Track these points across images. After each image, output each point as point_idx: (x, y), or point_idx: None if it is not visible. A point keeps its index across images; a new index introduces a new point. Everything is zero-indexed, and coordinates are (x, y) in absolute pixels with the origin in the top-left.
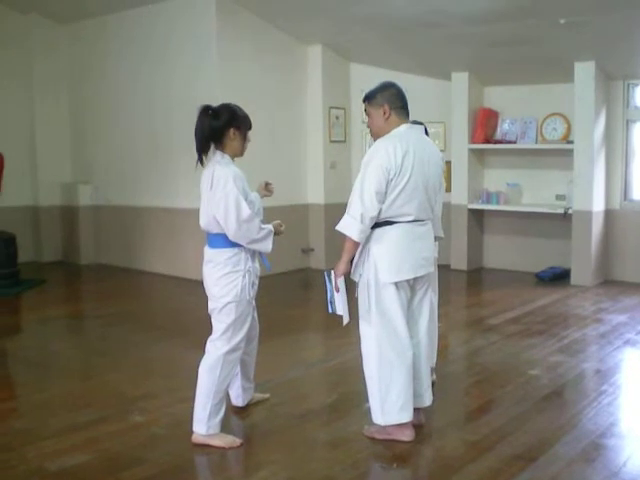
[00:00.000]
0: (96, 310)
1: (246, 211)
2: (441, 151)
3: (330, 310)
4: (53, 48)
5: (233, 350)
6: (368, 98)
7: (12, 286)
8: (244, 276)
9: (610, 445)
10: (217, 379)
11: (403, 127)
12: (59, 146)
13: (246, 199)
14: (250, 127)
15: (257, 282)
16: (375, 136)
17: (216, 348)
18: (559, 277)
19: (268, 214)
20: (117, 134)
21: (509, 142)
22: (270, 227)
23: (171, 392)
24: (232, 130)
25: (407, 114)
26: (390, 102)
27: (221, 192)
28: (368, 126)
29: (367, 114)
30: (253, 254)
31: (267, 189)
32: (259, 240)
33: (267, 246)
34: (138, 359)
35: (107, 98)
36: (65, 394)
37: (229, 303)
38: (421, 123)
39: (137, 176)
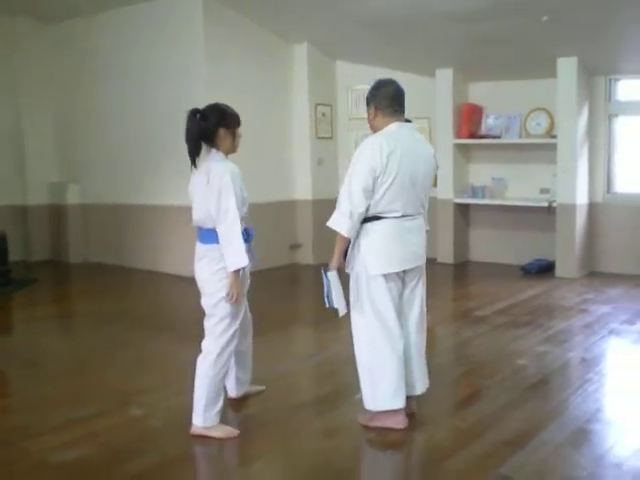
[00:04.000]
0: (89, 308)
1: (233, 206)
2: None
3: (327, 305)
4: (39, 48)
5: (227, 344)
6: (366, 97)
7: (3, 285)
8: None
9: (596, 430)
10: (212, 372)
11: (393, 126)
12: (47, 145)
13: (241, 196)
14: (239, 124)
15: (249, 276)
16: (372, 132)
17: (212, 342)
18: (544, 269)
19: (256, 211)
20: (105, 132)
21: (494, 137)
22: (245, 256)
23: (167, 386)
24: (222, 130)
25: (399, 112)
26: (377, 103)
27: (217, 184)
28: None
29: None
30: (246, 250)
31: None
32: (234, 246)
33: (240, 257)
34: (132, 355)
35: (94, 97)
36: (60, 391)
37: (224, 297)
38: (409, 121)
39: (126, 174)
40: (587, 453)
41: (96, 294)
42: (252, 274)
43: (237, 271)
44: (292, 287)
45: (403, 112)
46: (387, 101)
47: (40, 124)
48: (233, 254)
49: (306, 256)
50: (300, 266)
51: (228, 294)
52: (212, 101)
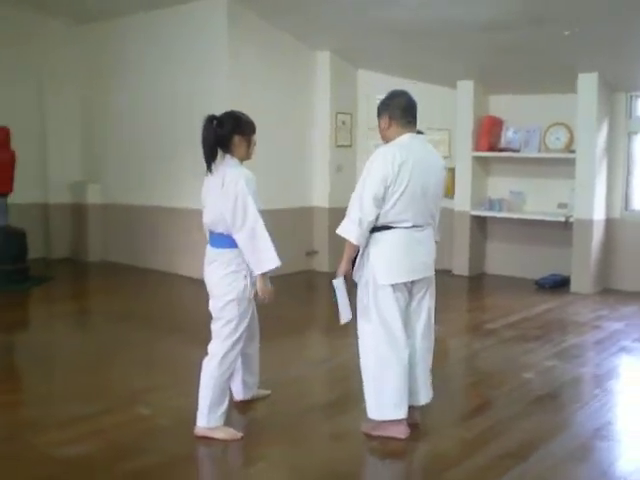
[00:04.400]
0: (102, 306)
1: (253, 210)
2: (445, 158)
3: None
4: (64, 48)
5: (233, 346)
6: (378, 107)
7: (21, 282)
8: (246, 276)
9: (600, 446)
10: (217, 374)
11: (406, 137)
12: (69, 145)
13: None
14: (254, 131)
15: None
16: (384, 142)
17: (217, 344)
18: (559, 284)
19: (274, 217)
20: (125, 134)
21: (513, 150)
22: (275, 257)
23: (175, 386)
24: (237, 137)
25: (412, 123)
26: (391, 112)
27: (232, 190)
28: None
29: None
30: None
31: None
32: (260, 249)
33: (269, 258)
34: (143, 354)
35: (116, 98)
36: (71, 387)
37: (232, 301)
38: (421, 132)
39: (144, 175)
40: (589, 467)
41: (110, 293)
42: (269, 279)
43: (265, 272)
44: (307, 293)
45: (415, 123)
46: (401, 111)
47: (63, 124)
48: (259, 256)
49: (322, 263)
50: (316, 273)
51: (257, 296)
52: (232, 106)
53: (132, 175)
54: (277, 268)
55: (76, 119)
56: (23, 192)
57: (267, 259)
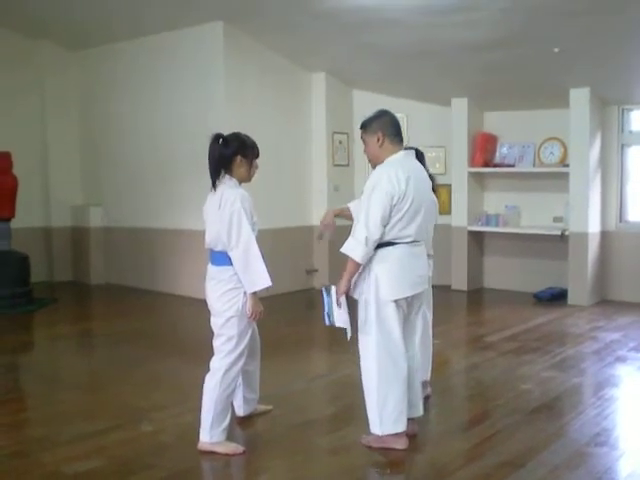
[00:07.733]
0: (106, 328)
1: (246, 230)
2: (441, 174)
3: (327, 322)
4: (64, 73)
5: (234, 362)
6: (364, 126)
7: (25, 305)
8: (245, 293)
9: (594, 453)
10: (219, 390)
11: (401, 154)
12: (70, 169)
13: (251, 220)
14: (257, 155)
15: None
16: (372, 162)
17: (219, 360)
18: (557, 297)
19: (274, 236)
20: (126, 157)
21: (508, 166)
22: (267, 277)
23: (179, 404)
24: (239, 157)
25: (401, 140)
26: (384, 129)
27: (229, 210)
28: (365, 152)
29: (363, 141)
30: None
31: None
32: (252, 268)
33: (260, 278)
34: (147, 373)
35: (117, 122)
36: (77, 406)
37: (231, 317)
38: (412, 148)
39: (145, 198)
40: (583, 475)
41: (114, 315)
42: (269, 298)
43: (254, 292)
44: (307, 311)
45: (403, 141)
46: (394, 128)
47: (64, 148)
48: (251, 275)
49: (322, 281)
50: (316, 291)
51: (250, 313)
52: (230, 127)
53: (133, 198)
54: (268, 288)
55: (77, 143)
56: (25, 216)
57: (259, 278)
